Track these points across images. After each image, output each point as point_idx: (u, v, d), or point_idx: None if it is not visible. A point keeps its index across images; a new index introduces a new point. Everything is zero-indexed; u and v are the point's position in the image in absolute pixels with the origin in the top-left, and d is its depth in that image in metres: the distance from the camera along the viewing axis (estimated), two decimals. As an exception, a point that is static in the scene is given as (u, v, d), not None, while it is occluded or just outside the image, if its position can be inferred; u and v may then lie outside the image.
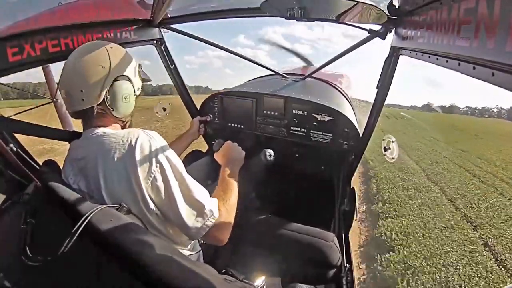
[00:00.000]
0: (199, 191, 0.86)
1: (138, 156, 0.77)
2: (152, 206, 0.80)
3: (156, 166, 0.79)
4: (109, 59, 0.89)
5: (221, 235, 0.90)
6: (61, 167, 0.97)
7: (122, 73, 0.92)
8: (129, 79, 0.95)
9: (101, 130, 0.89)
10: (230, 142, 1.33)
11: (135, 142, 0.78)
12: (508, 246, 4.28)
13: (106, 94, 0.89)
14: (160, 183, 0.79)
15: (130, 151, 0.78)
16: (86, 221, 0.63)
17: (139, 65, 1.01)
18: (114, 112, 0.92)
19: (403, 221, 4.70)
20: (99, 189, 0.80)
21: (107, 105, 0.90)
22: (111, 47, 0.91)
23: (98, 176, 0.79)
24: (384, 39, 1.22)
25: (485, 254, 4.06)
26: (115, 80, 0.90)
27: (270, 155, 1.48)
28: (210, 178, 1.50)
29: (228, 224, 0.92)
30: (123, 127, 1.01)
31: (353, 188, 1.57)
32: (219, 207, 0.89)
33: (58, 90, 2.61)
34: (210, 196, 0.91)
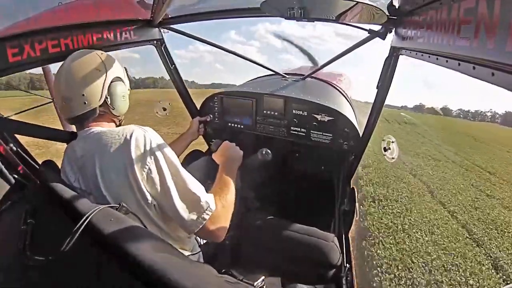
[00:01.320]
0: (194, 184, 0.87)
1: (133, 149, 0.79)
2: (149, 197, 0.81)
3: (151, 158, 0.81)
4: (103, 62, 0.95)
5: (218, 230, 0.90)
6: (59, 167, 0.97)
7: (116, 75, 0.99)
8: (122, 80, 1.02)
9: (97, 129, 0.92)
10: (228, 142, 1.33)
11: (130, 136, 0.81)
12: None
13: (106, 95, 0.95)
14: (154, 175, 0.81)
15: (126, 144, 0.80)
16: (87, 220, 0.63)
17: (125, 68, 1.09)
18: (114, 111, 0.99)
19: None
20: (98, 186, 0.81)
21: (108, 104, 0.96)
22: (101, 53, 0.99)
23: (95, 173, 0.81)
24: (384, 39, 1.22)
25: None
26: (112, 81, 0.96)
27: (267, 153, 1.49)
28: (210, 178, 1.50)
29: (224, 219, 0.92)
30: (118, 126, 1.04)
31: (353, 188, 1.57)
32: (215, 202, 0.90)
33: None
34: (207, 192, 0.92)
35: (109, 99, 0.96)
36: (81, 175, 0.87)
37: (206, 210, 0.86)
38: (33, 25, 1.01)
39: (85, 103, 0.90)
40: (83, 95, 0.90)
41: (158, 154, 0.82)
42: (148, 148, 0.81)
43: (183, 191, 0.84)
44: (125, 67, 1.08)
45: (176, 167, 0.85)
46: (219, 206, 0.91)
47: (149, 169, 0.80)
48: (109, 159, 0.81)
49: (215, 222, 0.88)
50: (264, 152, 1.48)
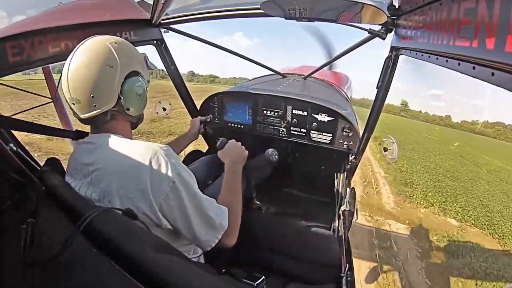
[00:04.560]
0: (210, 206, 0.86)
1: (153, 175, 0.76)
2: (164, 223, 0.80)
3: (172, 183, 0.77)
4: (116, 56, 0.82)
5: (230, 241, 0.92)
6: (64, 166, 0.97)
7: (132, 69, 0.86)
8: (139, 74, 0.90)
9: (114, 139, 0.84)
10: (234, 140, 1.34)
11: (150, 160, 0.77)
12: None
13: (119, 95, 0.84)
14: (173, 202, 0.78)
15: (145, 169, 0.76)
16: (87, 221, 0.63)
17: (145, 56, 0.97)
18: (129, 111, 0.89)
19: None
20: (111, 201, 0.78)
21: (122, 105, 0.86)
22: (115, 43, 0.84)
23: (110, 190, 0.78)
24: (384, 39, 1.22)
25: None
26: (126, 78, 0.85)
27: (275, 154, 1.49)
28: (210, 178, 1.50)
29: (235, 229, 0.94)
30: (134, 125, 0.99)
31: (353, 188, 1.57)
32: (228, 215, 0.91)
33: (58, 90, 2.60)
34: (217, 200, 0.92)
35: (122, 100, 0.85)
36: (89, 182, 0.82)
37: (220, 229, 0.87)
38: (33, 25, 1.01)
39: (95, 105, 0.81)
40: (92, 97, 0.80)
41: (177, 180, 0.79)
42: (168, 174, 0.77)
43: (200, 214, 0.83)
44: (145, 55, 0.96)
45: (194, 191, 0.83)
46: (231, 220, 0.91)
47: (168, 196, 0.77)
48: (126, 182, 0.76)
49: (228, 235, 0.90)
50: (272, 154, 1.48)
